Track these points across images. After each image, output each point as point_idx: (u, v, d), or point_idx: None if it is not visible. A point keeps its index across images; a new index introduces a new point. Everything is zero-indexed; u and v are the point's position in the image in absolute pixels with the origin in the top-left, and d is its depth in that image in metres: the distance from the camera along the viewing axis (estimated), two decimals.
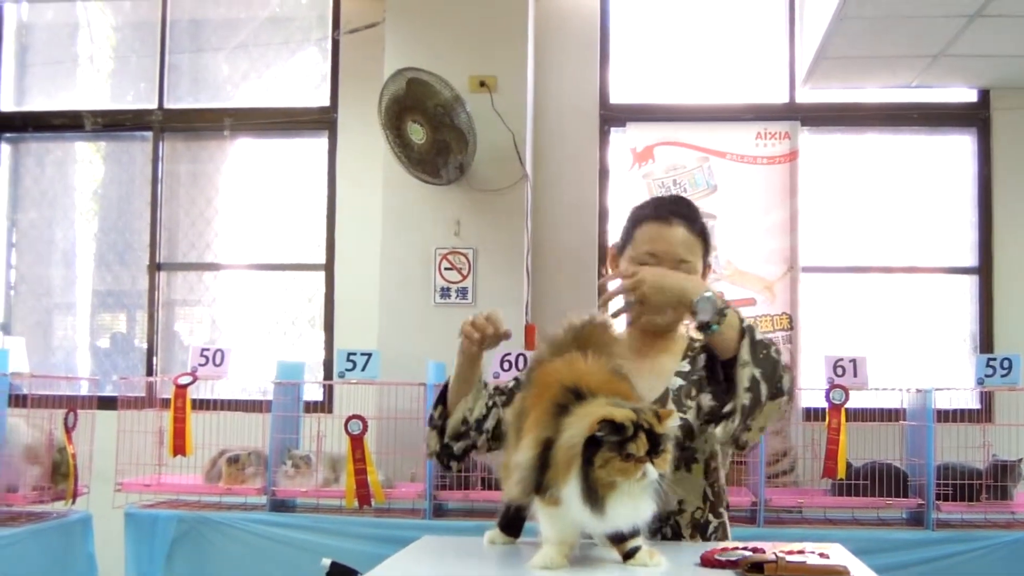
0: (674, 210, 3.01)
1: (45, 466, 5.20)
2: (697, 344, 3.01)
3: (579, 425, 2.22)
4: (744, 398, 2.64)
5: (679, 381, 2.92)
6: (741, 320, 2.69)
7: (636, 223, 3.03)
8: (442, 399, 2.99)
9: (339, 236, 7.37)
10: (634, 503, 2.22)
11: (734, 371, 2.68)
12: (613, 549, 2.36)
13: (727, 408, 2.69)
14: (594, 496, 2.19)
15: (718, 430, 2.71)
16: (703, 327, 2.68)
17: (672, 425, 2.27)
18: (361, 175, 7.21)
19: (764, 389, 2.64)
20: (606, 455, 2.18)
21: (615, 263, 3.08)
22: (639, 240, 2.99)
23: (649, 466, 2.20)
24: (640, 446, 2.19)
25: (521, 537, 2.69)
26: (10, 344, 7.45)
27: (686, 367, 2.96)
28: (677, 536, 2.78)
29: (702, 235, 3.01)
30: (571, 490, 2.20)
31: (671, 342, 3.03)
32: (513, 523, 2.68)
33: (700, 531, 2.84)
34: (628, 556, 2.34)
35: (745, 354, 2.66)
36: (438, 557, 2.59)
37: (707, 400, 2.75)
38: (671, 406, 2.83)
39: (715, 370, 2.77)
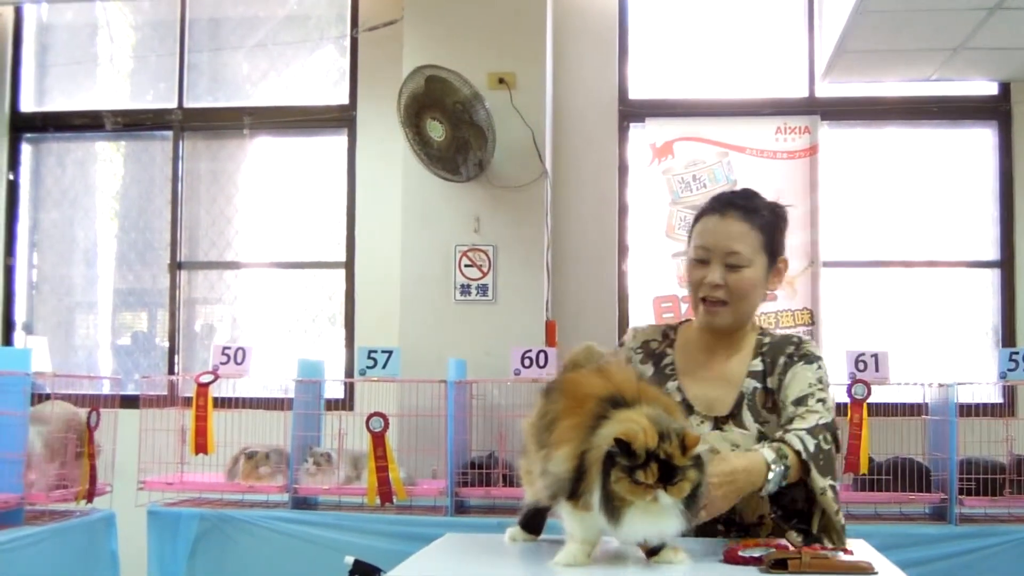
0: (730, 201, 3.02)
1: (68, 464, 5.21)
2: (767, 341, 3.03)
3: (609, 434, 2.23)
4: (832, 514, 2.72)
5: (753, 384, 2.92)
6: (798, 453, 2.68)
7: (696, 219, 3.05)
8: None
9: (359, 234, 7.37)
10: (652, 520, 2.22)
11: (812, 492, 2.71)
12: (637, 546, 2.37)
13: (816, 529, 2.73)
14: (611, 507, 2.20)
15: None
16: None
17: (699, 451, 2.26)
18: (380, 173, 7.22)
19: (838, 489, 2.75)
20: (618, 474, 2.19)
21: (687, 265, 3.09)
22: (695, 236, 3.02)
23: (661, 493, 2.19)
24: (649, 475, 2.18)
25: (543, 535, 2.69)
26: (32, 343, 7.51)
27: (759, 365, 2.95)
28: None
29: (763, 230, 3.00)
30: (594, 496, 2.22)
31: (739, 340, 3.04)
32: (534, 521, 2.68)
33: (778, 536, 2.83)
34: (652, 553, 2.34)
35: (819, 482, 2.69)
36: (460, 554, 2.59)
37: (795, 538, 2.65)
38: (746, 416, 2.84)
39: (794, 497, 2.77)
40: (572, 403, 2.38)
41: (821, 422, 2.78)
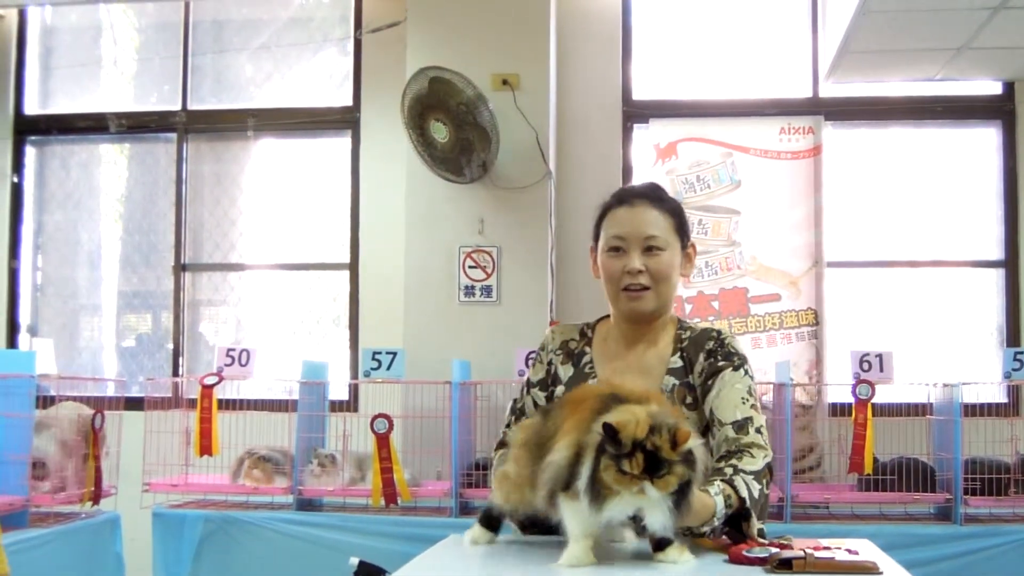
0: (637, 192, 3.07)
1: (76, 465, 5.22)
2: (687, 334, 3.04)
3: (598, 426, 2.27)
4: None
5: (672, 380, 2.94)
6: (742, 500, 2.65)
7: (603, 214, 3.08)
8: None
9: (363, 235, 7.38)
10: (634, 510, 2.25)
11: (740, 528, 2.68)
12: (644, 539, 2.37)
13: None
14: (595, 492, 2.22)
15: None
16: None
17: (689, 447, 2.27)
18: (384, 174, 7.22)
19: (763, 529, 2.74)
20: (606, 462, 2.22)
21: (595, 262, 3.11)
22: (607, 227, 3.04)
23: (648, 485, 2.20)
24: (634, 465, 2.19)
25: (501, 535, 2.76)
26: (37, 346, 7.52)
27: (678, 362, 2.97)
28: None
29: (672, 213, 3.03)
30: (581, 480, 2.24)
31: (658, 331, 3.06)
32: (494, 521, 2.73)
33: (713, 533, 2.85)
34: (658, 547, 2.35)
35: (754, 529, 2.66)
36: (465, 555, 2.60)
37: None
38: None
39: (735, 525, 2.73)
40: (574, 407, 2.42)
41: (766, 462, 2.78)
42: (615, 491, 2.21)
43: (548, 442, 2.40)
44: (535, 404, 3.09)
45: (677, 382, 2.95)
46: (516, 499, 2.55)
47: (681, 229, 3.05)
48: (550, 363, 3.12)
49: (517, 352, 5.76)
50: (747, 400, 2.87)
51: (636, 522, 2.29)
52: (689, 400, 2.91)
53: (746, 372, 2.95)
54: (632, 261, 2.95)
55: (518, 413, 3.11)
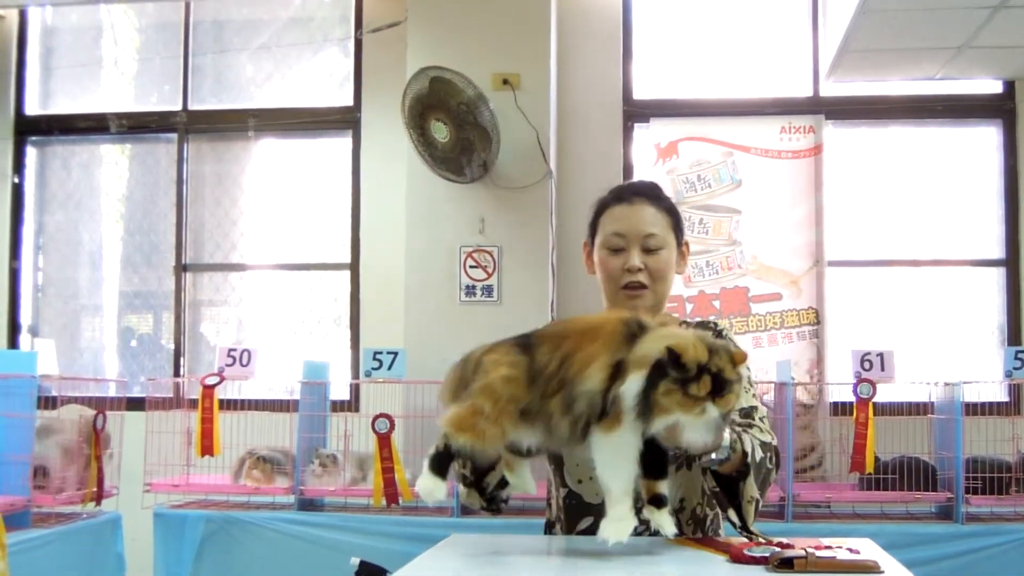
0: (635, 190, 3.05)
1: (76, 467, 5.22)
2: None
3: (654, 344, 2.21)
4: (749, 519, 2.66)
5: None
6: (745, 453, 2.62)
7: (601, 210, 3.06)
8: None
9: (364, 235, 7.38)
10: (689, 430, 2.23)
11: (736, 496, 2.66)
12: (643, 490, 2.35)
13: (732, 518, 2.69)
14: (647, 411, 2.19)
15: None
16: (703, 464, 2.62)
17: (745, 368, 2.29)
18: (385, 174, 7.22)
19: (760, 500, 2.69)
20: (669, 386, 2.18)
21: (589, 258, 3.10)
22: (605, 225, 3.02)
23: (710, 404, 2.19)
24: (702, 387, 2.18)
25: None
26: (39, 346, 7.52)
27: None
28: (679, 534, 2.79)
29: (669, 211, 3.03)
30: (629, 390, 2.19)
31: None
32: (445, 467, 2.46)
33: (699, 525, 2.86)
34: (653, 500, 2.34)
35: (751, 490, 2.66)
36: (466, 555, 2.59)
37: (734, 516, 2.68)
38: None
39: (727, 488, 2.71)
40: (588, 336, 2.34)
41: (772, 443, 2.78)
42: (669, 412, 2.18)
43: (554, 374, 2.31)
44: None
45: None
46: (494, 435, 2.35)
47: (677, 227, 3.05)
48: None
49: None
50: (749, 390, 2.87)
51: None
52: None
53: (745, 364, 2.95)
54: (632, 259, 2.94)
55: None
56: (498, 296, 6.56)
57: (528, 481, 2.53)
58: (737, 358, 2.24)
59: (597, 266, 3.04)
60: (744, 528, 2.64)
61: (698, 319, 3.17)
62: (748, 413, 2.81)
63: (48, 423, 5.08)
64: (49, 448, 5.05)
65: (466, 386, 2.41)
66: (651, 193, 3.04)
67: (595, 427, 2.25)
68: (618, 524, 2.27)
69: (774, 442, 2.79)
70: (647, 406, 2.18)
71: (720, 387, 2.20)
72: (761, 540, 2.50)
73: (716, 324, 3.05)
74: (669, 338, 2.22)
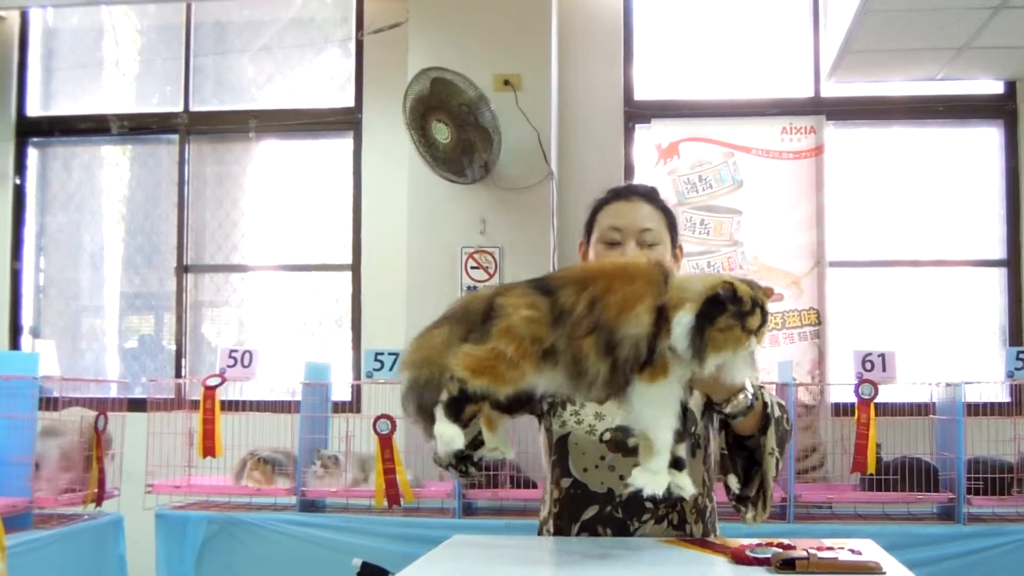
0: (632, 189, 3.10)
1: (78, 468, 5.23)
2: None
3: (698, 283, 2.27)
4: (769, 480, 2.67)
5: None
6: (766, 404, 2.66)
7: (598, 208, 3.09)
8: None
9: (365, 236, 7.39)
10: (733, 368, 2.33)
11: (756, 450, 2.68)
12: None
13: (754, 492, 2.69)
14: (700, 345, 2.22)
15: (748, 515, 2.70)
16: (728, 416, 2.63)
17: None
18: (386, 175, 7.23)
19: (780, 462, 2.70)
20: (729, 321, 2.23)
21: (584, 256, 3.11)
22: (602, 221, 3.04)
23: (753, 339, 2.27)
24: (755, 321, 2.25)
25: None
26: (40, 347, 7.52)
27: None
28: (683, 521, 2.78)
29: (665, 212, 3.05)
30: (681, 328, 2.22)
31: None
32: (460, 410, 2.37)
33: (700, 515, 2.86)
34: (673, 463, 2.35)
35: (771, 442, 2.67)
36: (468, 556, 2.59)
37: (734, 482, 2.70)
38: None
39: (734, 446, 2.73)
40: (617, 278, 2.34)
41: (783, 404, 2.80)
42: (721, 349, 2.24)
43: (584, 315, 2.28)
44: None
45: None
46: (514, 378, 2.31)
47: (673, 228, 3.07)
48: None
49: None
50: (771, 402, 2.88)
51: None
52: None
53: None
54: (628, 252, 2.95)
55: None
56: None
57: (505, 443, 2.49)
58: (769, 293, 2.33)
59: (593, 261, 3.05)
60: (762, 488, 2.66)
61: None
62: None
63: (49, 424, 5.08)
64: (48, 449, 5.05)
65: (470, 329, 2.38)
66: (648, 193, 3.08)
67: (638, 377, 2.26)
68: (656, 476, 2.29)
69: (783, 403, 2.81)
70: (702, 343, 2.22)
71: (764, 320, 2.28)
72: (784, 543, 2.51)
73: None
74: (710, 277, 2.26)
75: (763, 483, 2.66)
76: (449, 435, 2.30)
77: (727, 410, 2.56)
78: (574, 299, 2.30)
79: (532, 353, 2.28)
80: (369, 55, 7.45)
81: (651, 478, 2.28)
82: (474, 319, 2.39)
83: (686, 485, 2.37)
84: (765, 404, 2.64)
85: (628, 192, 3.06)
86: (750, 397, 2.56)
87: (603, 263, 2.45)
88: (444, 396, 2.33)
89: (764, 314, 2.28)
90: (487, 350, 2.29)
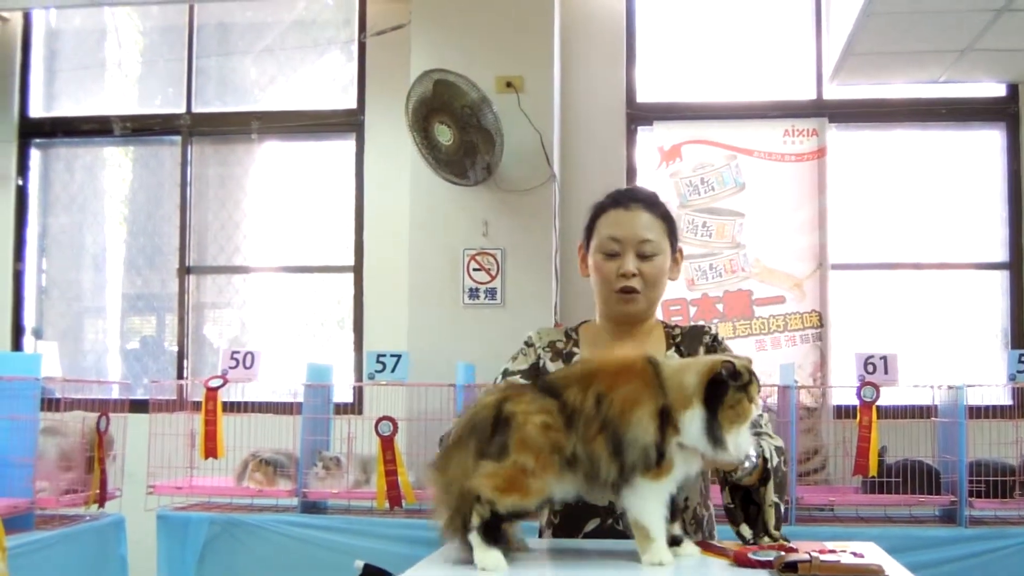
0: (632, 196, 3.10)
1: (79, 469, 5.23)
2: (677, 332, 3.12)
3: (692, 375, 2.35)
4: (771, 527, 2.69)
5: None
6: (765, 459, 2.70)
7: (597, 215, 3.11)
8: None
9: (367, 238, 7.38)
10: (745, 436, 2.41)
11: (759, 498, 2.71)
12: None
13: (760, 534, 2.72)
14: (717, 433, 2.31)
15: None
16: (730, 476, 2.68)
17: None
18: (388, 177, 7.23)
19: (783, 507, 2.75)
20: (736, 396, 2.34)
21: (584, 260, 3.14)
22: (601, 229, 3.06)
23: (754, 407, 2.38)
24: (756, 388, 2.37)
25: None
26: (42, 348, 7.52)
27: (674, 355, 3.02)
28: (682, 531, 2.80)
29: (665, 219, 3.07)
30: (693, 429, 2.31)
31: (646, 332, 3.10)
32: (496, 533, 2.40)
33: (699, 524, 2.92)
34: (673, 543, 2.41)
35: (771, 495, 2.70)
36: (470, 559, 2.59)
37: (747, 532, 2.71)
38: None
39: (744, 498, 2.76)
40: (617, 376, 2.39)
41: (781, 446, 2.84)
42: (733, 424, 2.34)
43: (594, 414, 2.33)
44: None
45: None
46: (539, 490, 2.34)
47: (672, 234, 3.08)
48: (538, 358, 3.11)
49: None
50: (771, 458, 2.90)
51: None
52: None
53: None
54: (626, 264, 2.98)
55: None
56: (501, 299, 6.56)
57: (521, 542, 2.60)
58: (749, 363, 2.41)
59: (592, 270, 3.07)
60: (766, 533, 2.66)
61: (691, 323, 3.22)
62: (755, 421, 2.83)
63: (48, 424, 5.08)
64: (47, 449, 5.05)
65: (482, 441, 2.39)
66: (648, 200, 3.08)
67: (642, 475, 2.32)
68: (664, 554, 2.34)
69: (781, 443, 2.83)
70: (718, 430, 2.31)
71: (759, 386, 2.42)
72: (786, 544, 2.53)
73: (710, 328, 3.13)
74: (698, 363, 2.38)
75: (767, 531, 2.68)
76: (492, 562, 2.32)
77: (736, 476, 2.63)
78: (581, 397, 2.36)
79: (554, 463, 2.33)
80: (371, 57, 7.45)
81: (661, 555, 2.34)
82: (483, 429, 2.40)
83: (693, 552, 2.47)
84: (765, 460, 2.69)
85: (627, 199, 3.07)
86: (754, 460, 2.62)
87: (601, 360, 2.49)
88: (476, 521, 2.34)
89: (757, 380, 2.40)
90: (509, 466, 2.32)
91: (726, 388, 2.33)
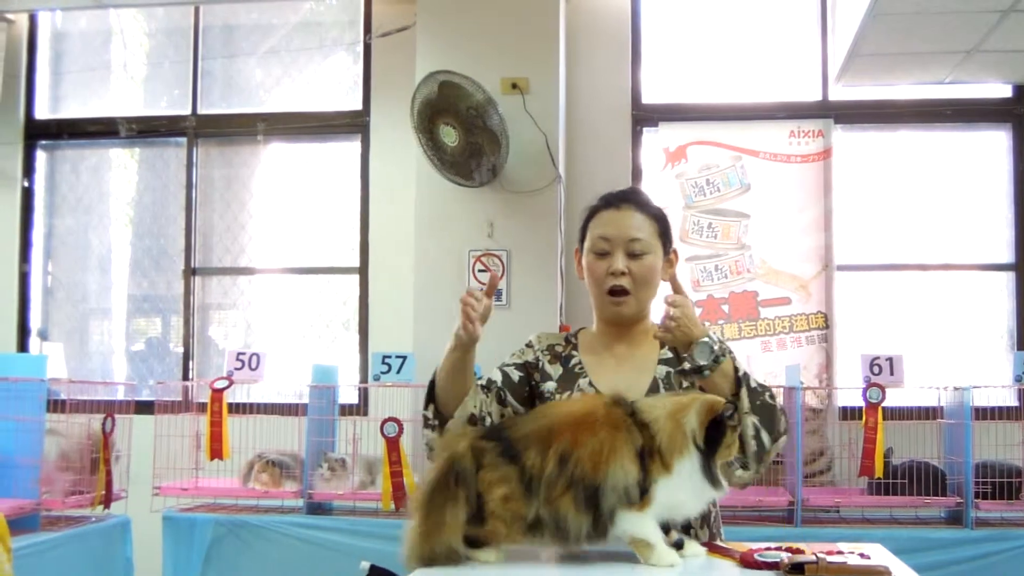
0: (623, 196, 3.11)
1: (84, 471, 5.23)
2: None
3: (692, 412, 2.41)
4: (751, 446, 2.71)
5: (665, 368, 2.99)
6: (736, 368, 2.74)
7: (589, 217, 3.13)
8: (431, 397, 3.07)
9: (373, 239, 7.38)
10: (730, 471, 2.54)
11: (736, 418, 2.70)
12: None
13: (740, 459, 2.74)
14: (713, 472, 2.39)
15: (736, 474, 2.75)
16: (696, 370, 2.73)
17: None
18: (394, 178, 7.23)
19: (766, 437, 2.72)
20: (732, 436, 2.45)
21: (579, 263, 3.16)
22: (592, 230, 3.09)
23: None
24: (736, 422, 2.48)
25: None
26: (48, 350, 7.53)
27: (668, 354, 3.02)
28: (688, 528, 2.79)
29: (656, 219, 3.08)
30: (693, 471, 2.37)
31: (641, 332, 3.10)
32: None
33: (705, 520, 2.90)
34: (677, 547, 2.44)
35: (744, 403, 2.73)
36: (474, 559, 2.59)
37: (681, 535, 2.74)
38: (663, 394, 2.88)
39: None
40: (579, 428, 2.42)
41: (770, 387, 2.86)
42: (730, 452, 2.48)
43: (556, 476, 2.37)
44: (505, 377, 3.12)
45: (671, 370, 2.98)
46: (510, 542, 2.47)
47: (664, 235, 3.09)
48: (537, 359, 3.13)
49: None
50: (741, 368, 2.92)
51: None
52: (685, 385, 2.92)
53: (735, 358, 3.01)
54: (616, 262, 3.00)
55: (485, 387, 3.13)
56: (507, 300, 6.56)
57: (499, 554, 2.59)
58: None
59: (585, 271, 3.09)
60: (744, 465, 2.73)
61: None
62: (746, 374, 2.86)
63: (50, 426, 5.09)
64: (47, 449, 5.06)
65: (451, 494, 2.47)
66: (638, 199, 3.10)
67: (625, 511, 2.35)
68: (670, 556, 2.38)
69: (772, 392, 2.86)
70: (713, 467, 2.40)
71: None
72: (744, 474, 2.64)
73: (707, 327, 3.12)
74: (696, 404, 2.43)
75: (744, 446, 2.70)
76: (492, 558, 2.45)
77: (694, 355, 2.72)
78: (540, 460, 2.41)
79: (518, 527, 2.41)
80: (377, 58, 7.45)
81: (667, 557, 2.38)
82: (470, 482, 2.47)
83: (699, 552, 2.52)
84: (736, 369, 2.74)
85: (618, 200, 3.08)
86: (714, 341, 2.71)
87: (559, 412, 2.52)
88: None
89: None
90: (485, 531, 2.43)
91: (725, 429, 2.41)
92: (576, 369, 3.08)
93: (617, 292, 3.00)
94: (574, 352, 3.13)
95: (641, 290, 3.02)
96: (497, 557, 2.43)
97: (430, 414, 3.01)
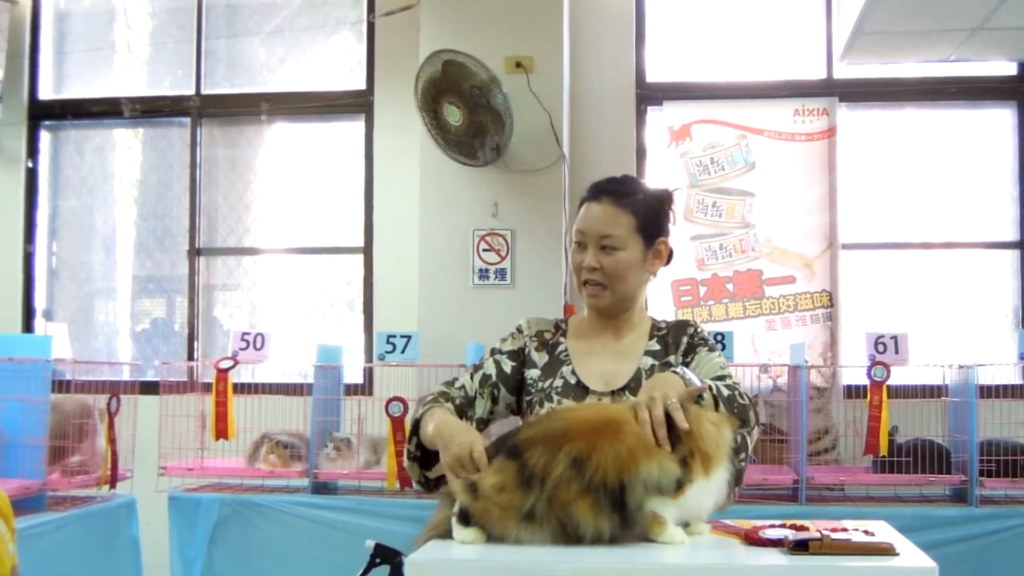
0: (605, 189, 3.13)
1: (89, 450, 5.24)
2: (663, 324, 3.16)
3: (729, 427, 2.49)
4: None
5: (650, 360, 3.02)
6: (710, 388, 2.69)
7: (580, 205, 3.18)
8: (415, 431, 3.02)
9: (377, 219, 7.38)
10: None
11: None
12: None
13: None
14: (731, 483, 2.48)
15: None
16: None
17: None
18: (398, 157, 7.22)
19: (747, 439, 2.73)
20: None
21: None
22: (577, 220, 3.15)
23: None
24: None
25: None
26: (53, 330, 7.54)
27: (656, 346, 3.06)
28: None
29: (636, 213, 3.08)
30: (721, 478, 2.42)
31: (630, 321, 3.14)
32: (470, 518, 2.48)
33: None
34: (683, 524, 2.45)
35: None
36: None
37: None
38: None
39: None
40: (599, 434, 2.39)
41: (737, 385, 2.85)
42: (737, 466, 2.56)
43: (566, 478, 2.33)
44: (499, 370, 3.13)
45: (656, 362, 3.01)
46: (503, 527, 2.40)
47: (645, 229, 3.09)
48: (524, 345, 3.18)
49: None
50: (724, 368, 2.98)
51: None
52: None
53: (719, 355, 3.08)
54: (588, 258, 3.06)
55: (478, 375, 3.17)
56: (511, 279, 6.56)
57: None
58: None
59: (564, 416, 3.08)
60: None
61: (675, 320, 3.22)
62: (722, 378, 2.89)
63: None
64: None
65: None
66: (619, 191, 3.11)
67: (655, 497, 2.35)
68: (679, 534, 2.39)
69: (740, 387, 2.86)
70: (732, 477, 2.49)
71: None
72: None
73: (695, 323, 3.20)
74: (730, 420, 2.55)
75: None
76: (469, 539, 2.40)
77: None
78: (545, 460, 2.36)
79: (511, 516, 2.36)
80: (381, 37, 7.43)
81: (680, 535, 2.40)
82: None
83: (704, 530, 2.51)
84: (715, 397, 2.70)
85: (600, 192, 3.11)
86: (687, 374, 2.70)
87: (575, 417, 2.49)
88: (456, 508, 2.44)
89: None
90: (479, 505, 2.40)
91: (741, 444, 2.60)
92: (561, 356, 3.11)
93: (592, 284, 3.07)
94: (562, 339, 3.17)
95: (615, 284, 3.06)
96: (475, 538, 2.39)
97: (412, 447, 2.98)
